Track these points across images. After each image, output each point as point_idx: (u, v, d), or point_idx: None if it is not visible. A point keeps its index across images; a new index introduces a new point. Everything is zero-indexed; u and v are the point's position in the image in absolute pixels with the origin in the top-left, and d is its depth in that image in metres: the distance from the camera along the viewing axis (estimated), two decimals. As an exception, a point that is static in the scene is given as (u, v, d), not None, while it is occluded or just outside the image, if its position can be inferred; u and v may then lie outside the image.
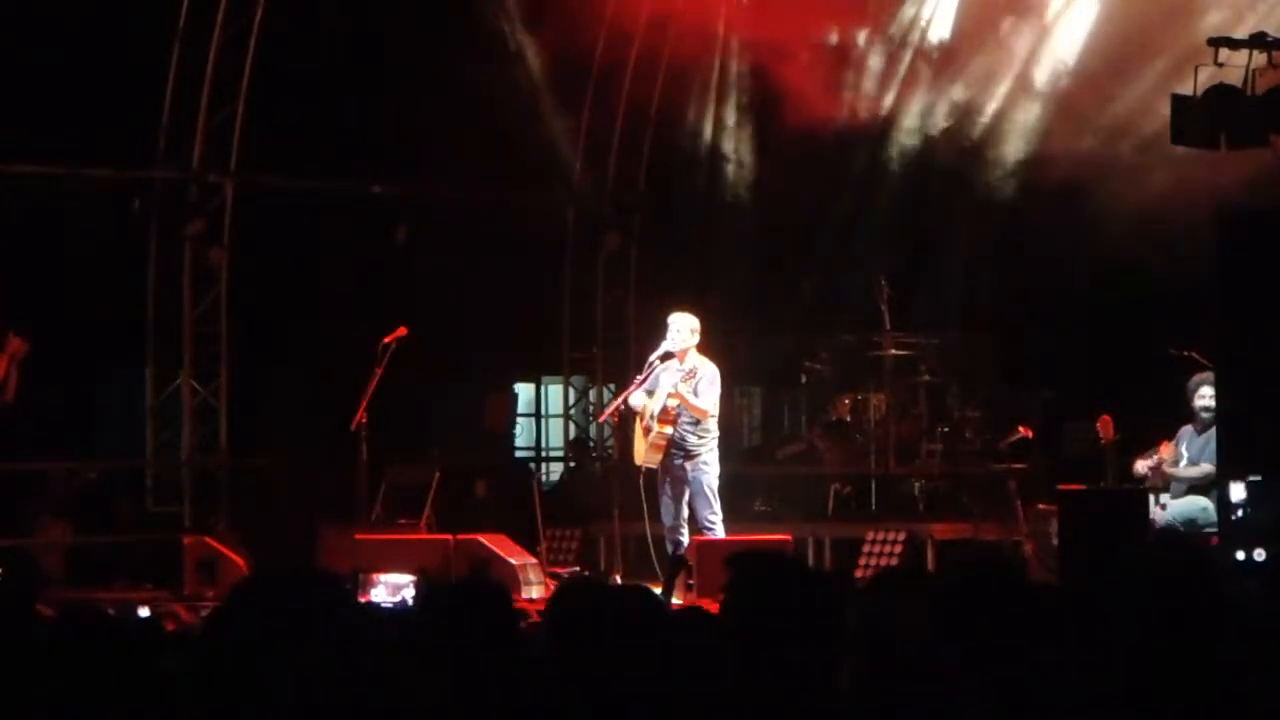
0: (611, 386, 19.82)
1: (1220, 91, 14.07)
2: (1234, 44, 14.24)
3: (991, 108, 18.32)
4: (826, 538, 16.75)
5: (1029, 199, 17.85)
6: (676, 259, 19.39)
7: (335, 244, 17.85)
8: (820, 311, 19.08)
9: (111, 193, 17.26)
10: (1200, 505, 13.44)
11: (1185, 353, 14.17)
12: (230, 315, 18.02)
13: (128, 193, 17.35)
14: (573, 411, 21.05)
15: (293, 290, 17.72)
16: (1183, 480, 13.63)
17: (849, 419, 18.16)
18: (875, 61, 18.87)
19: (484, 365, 19.34)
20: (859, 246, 18.70)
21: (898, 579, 4.77)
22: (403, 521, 16.05)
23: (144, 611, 11.27)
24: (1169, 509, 13.53)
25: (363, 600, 12.99)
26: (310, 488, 16.54)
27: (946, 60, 18.54)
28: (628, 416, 14.31)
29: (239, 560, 14.96)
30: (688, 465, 13.87)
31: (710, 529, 13.83)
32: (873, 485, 17.61)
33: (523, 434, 21.59)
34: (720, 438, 14.12)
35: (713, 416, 13.91)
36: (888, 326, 17.49)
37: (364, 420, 14.96)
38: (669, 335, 13.89)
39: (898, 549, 15.95)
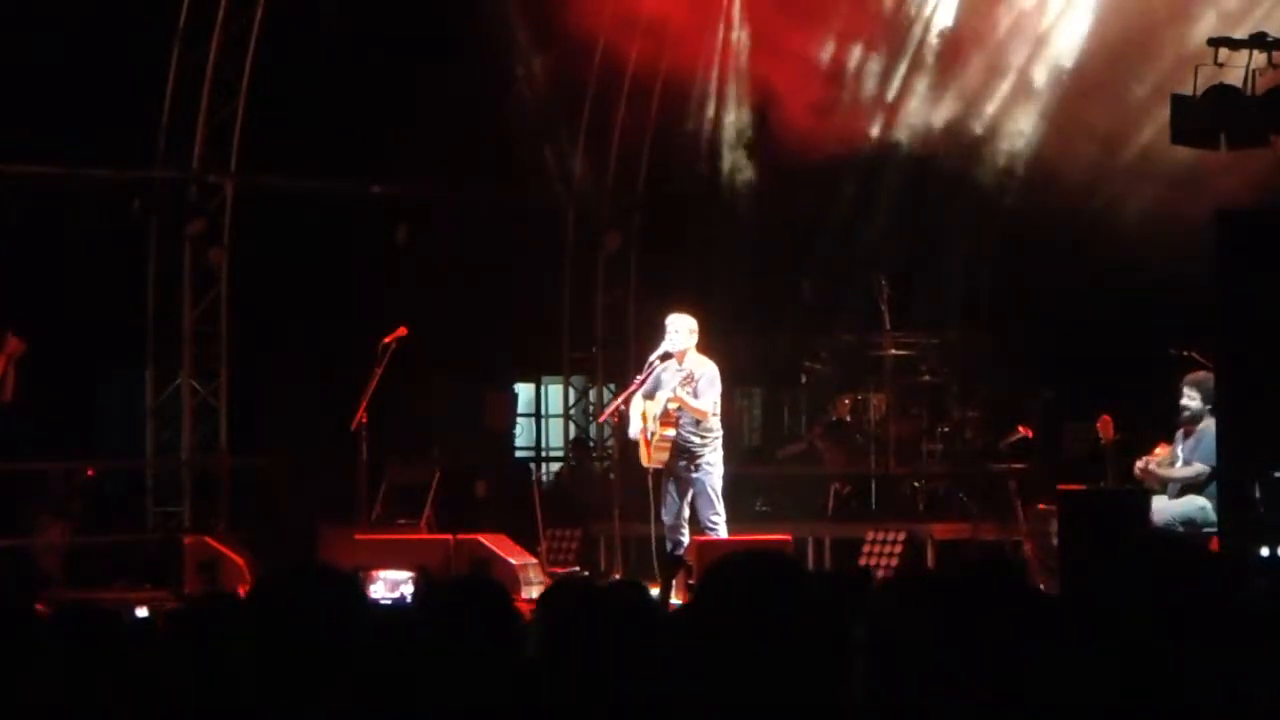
0: (611, 386, 19.82)
1: (1220, 91, 14.07)
2: (1234, 44, 14.24)
3: (992, 107, 18.31)
4: (826, 538, 16.75)
5: (1029, 198, 17.85)
6: (676, 259, 19.38)
7: (335, 244, 17.85)
8: (820, 311, 19.08)
9: (111, 193, 17.26)
10: (1198, 505, 13.42)
11: (1185, 353, 14.15)
12: (230, 315, 18.01)
13: (128, 193, 17.34)
14: (573, 411, 21.05)
15: (293, 290, 17.71)
16: (1175, 481, 13.61)
17: (849, 419, 18.17)
18: (875, 61, 18.87)
19: (484, 365, 19.35)
20: (859, 246, 18.70)
21: (911, 582, 4.74)
22: (403, 521, 16.05)
23: (143, 611, 11.26)
24: (1167, 509, 13.51)
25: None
26: (310, 488, 16.55)
27: (947, 58, 18.53)
28: (628, 417, 14.31)
29: (239, 560, 14.96)
30: (691, 466, 13.88)
31: (713, 529, 13.83)
32: (873, 485, 17.61)
33: (523, 434, 21.59)
34: (723, 438, 14.12)
35: (714, 416, 13.91)
36: (888, 326, 17.50)
37: (364, 420, 14.98)
38: (667, 336, 13.89)
39: (898, 549, 15.95)
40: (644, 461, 14.04)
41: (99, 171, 17.15)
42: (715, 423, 13.94)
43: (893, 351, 17.62)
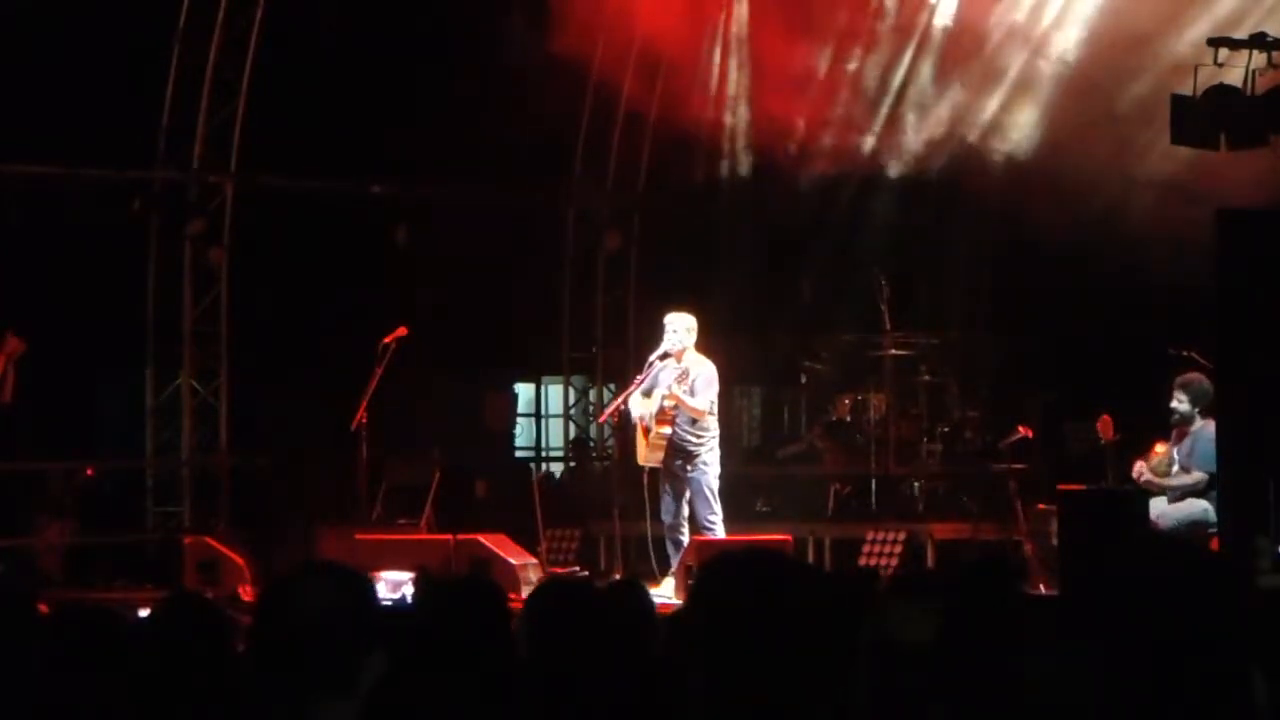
0: (611, 386, 19.82)
1: (1220, 91, 14.07)
2: (1234, 44, 14.24)
3: (992, 106, 18.31)
4: (826, 538, 16.75)
5: (1029, 199, 17.83)
6: (676, 259, 19.38)
7: (335, 244, 17.85)
8: (820, 311, 19.08)
9: (111, 193, 17.27)
10: (1201, 507, 13.41)
11: (1185, 353, 14.15)
12: (230, 315, 18.02)
13: (128, 193, 17.35)
14: (573, 411, 21.05)
15: (292, 290, 17.71)
16: (1176, 490, 13.58)
17: (849, 419, 18.17)
18: (875, 61, 18.87)
19: (484, 365, 19.35)
20: (859, 246, 18.70)
21: (913, 583, 4.74)
22: (403, 521, 16.04)
23: (144, 612, 11.25)
24: (1170, 514, 13.48)
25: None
26: (310, 488, 16.55)
27: (946, 60, 18.52)
28: (627, 417, 14.32)
29: (239, 560, 14.95)
30: (687, 465, 13.89)
31: (710, 529, 13.84)
32: (873, 485, 17.60)
33: (523, 434, 21.59)
34: (721, 437, 14.13)
35: (711, 416, 13.91)
36: (888, 326, 17.50)
37: (364, 420, 14.98)
38: (666, 335, 13.90)
39: (898, 549, 15.95)
40: (639, 460, 14.05)
41: (99, 171, 17.15)
42: (712, 422, 13.94)
43: (893, 351, 17.62)
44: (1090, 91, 17.39)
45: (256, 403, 18.06)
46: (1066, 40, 17.71)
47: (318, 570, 3.81)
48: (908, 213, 18.81)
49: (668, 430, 13.84)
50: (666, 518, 13.96)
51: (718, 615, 3.79)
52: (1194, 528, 13.20)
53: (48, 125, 16.18)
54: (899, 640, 3.94)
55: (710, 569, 3.94)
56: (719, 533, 13.84)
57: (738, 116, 19.49)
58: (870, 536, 16.18)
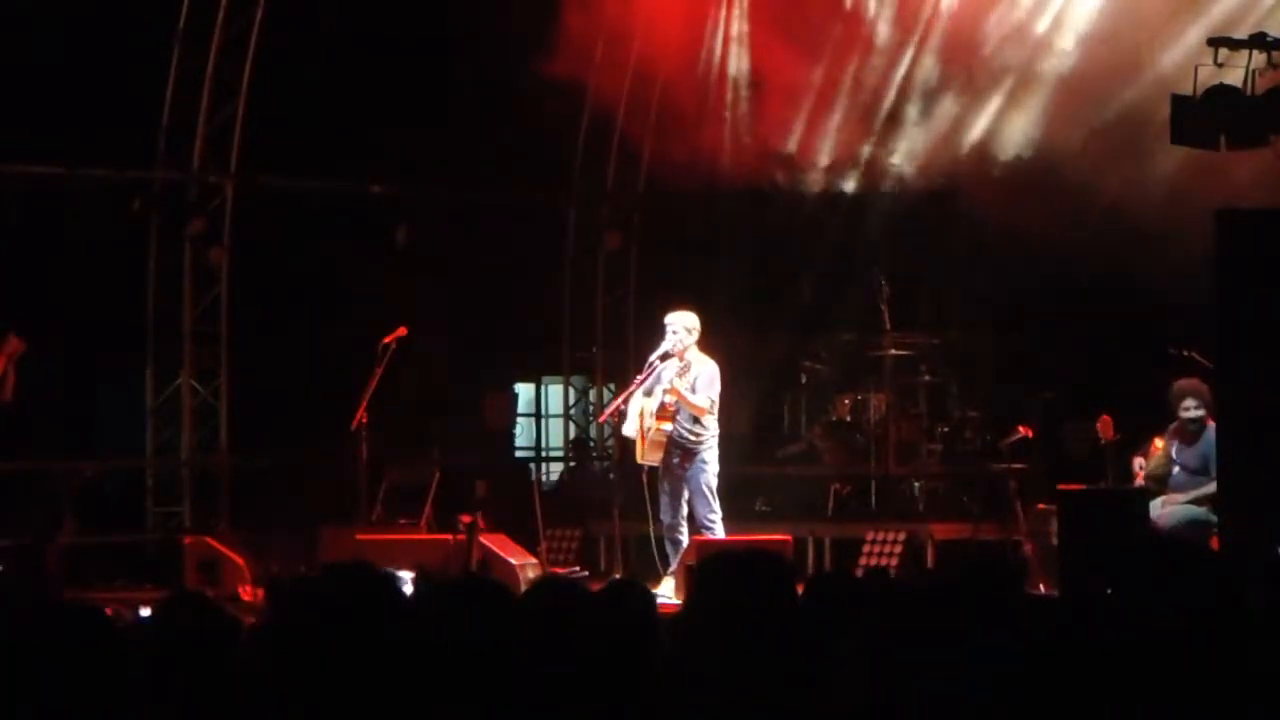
0: (611, 386, 19.82)
1: (1220, 91, 14.06)
2: (1234, 44, 14.23)
3: (992, 105, 18.31)
4: (826, 538, 16.74)
5: (1029, 198, 17.83)
6: (676, 259, 19.38)
7: (335, 244, 17.85)
8: (820, 311, 19.07)
9: (111, 193, 17.27)
10: (1202, 507, 13.41)
11: (1185, 353, 14.15)
12: (230, 315, 18.02)
13: (128, 193, 17.35)
14: (573, 411, 21.05)
15: (292, 290, 17.71)
16: (1192, 501, 13.53)
17: (849, 419, 18.16)
18: (875, 61, 18.87)
19: (484, 365, 19.35)
20: (859, 246, 18.69)
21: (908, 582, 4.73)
22: (403, 521, 16.05)
23: (144, 611, 11.25)
24: (1172, 514, 13.48)
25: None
26: (310, 488, 16.54)
27: (948, 55, 18.52)
28: (628, 416, 14.30)
29: (239, 560, 14.96)
30: (686, 463, 13.88)
31: (709, 528, 13.83)
32: (873, 485, 17.61)
33: (523, 434, 21.59)
34: (721, 437, 14.12)
35: (711, 414, 13.91)
36: (888, 326, 17.49)
37: (364, 420, 14.98)
38: (667, 334, 13.90)
39: (897, 549, 15.95)
40: (638, 458, 14.04)
41: (99, 171, 17.16)
42: (712, 421, 13.93)
43: (893, 351, 17.61)
44: (1090, 92, 17.38)
45: (256, 403, 18.06)
46: (1065, 41, 17.71)
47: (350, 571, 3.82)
48: (908, 213, 18.79)
49: (668, 427, 13.82)
50: (665, 518, 13.96)
51: (718, 615, 3.79)
52: (1194, 528, 13.20)
53: (48, 125, 16.19)
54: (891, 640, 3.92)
55: (710, 569, 3.94)
56: (718, 532, 13.83)
57: (738, 116, 19.49)
58: (870, 536, 16.18)
